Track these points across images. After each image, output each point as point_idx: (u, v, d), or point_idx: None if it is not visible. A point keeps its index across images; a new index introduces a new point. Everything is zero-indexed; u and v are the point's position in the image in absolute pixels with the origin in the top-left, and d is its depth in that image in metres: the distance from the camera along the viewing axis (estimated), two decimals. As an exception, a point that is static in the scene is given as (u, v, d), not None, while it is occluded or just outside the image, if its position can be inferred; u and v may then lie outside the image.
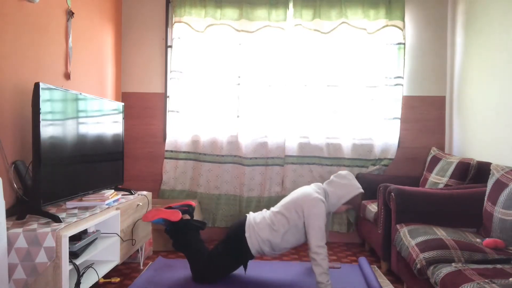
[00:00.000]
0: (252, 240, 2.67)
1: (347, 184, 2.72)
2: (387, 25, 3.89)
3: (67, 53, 2.92)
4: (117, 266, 2.71)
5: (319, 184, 2.80)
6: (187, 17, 3.95)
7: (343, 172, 2.81)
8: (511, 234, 2.24)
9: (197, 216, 3.70)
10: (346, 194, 2.71)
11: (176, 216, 2.82)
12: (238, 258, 2.74)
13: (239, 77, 3.94)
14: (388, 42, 3.91)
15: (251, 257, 2.73)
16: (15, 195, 2.33)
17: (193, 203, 3.07)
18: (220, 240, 2.82)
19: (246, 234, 2.68)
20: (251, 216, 2.78)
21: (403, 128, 4.01)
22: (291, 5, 3.95)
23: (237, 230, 2.72)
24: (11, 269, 1.92)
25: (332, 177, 2.82)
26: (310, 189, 2.71)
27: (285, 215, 2.66)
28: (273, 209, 2.78)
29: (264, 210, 2.85)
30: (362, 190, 2.72)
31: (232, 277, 2.84)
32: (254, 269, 3.03)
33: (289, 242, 2.68)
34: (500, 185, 2.43)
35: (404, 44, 3.91)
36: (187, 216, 2.96)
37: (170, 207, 2.95)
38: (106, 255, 2.62)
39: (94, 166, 2.72)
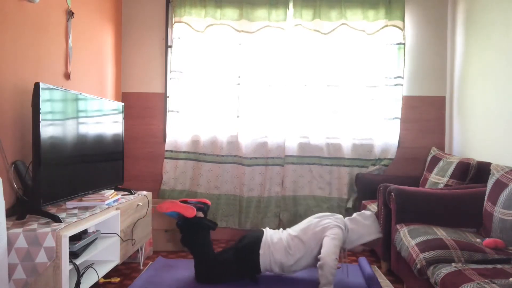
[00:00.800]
0: (265, 258, 2.66)
1: (370, 226, 2.74)
2: (387, 25, 3.89)
3: (67, 53, 2.92)
4: (117, 266, 2.71)
5: (341, 216, 2.79)
6: (187, 17, 3.94)
7: (368, 212, 2.81)
8: (511, 234, 2.24)
9: (197, 216, 3.70)
10: (367, 235, 2.72)
11: (191, 212, 2.83)
12: (244, 270, 2.72)
13: (239, 77, 3.94)
14: (388, 42, 3.91)
15: (258, 272, 2.72)
16: (15, 195, 2.33)
17: (209, 202, 3.07)
18: (232, 246, 2.82)
19: (261, 251, 2.67)
20: (269, 234, 2.76)
21: (403, 128, 4.01)
22: (291, 5, 3.95)
23: (252, 244, 2.71)
24: (11, 269, 1.92)
25: (355, 215, 2.82)
26: (330, 219, 2.71)
27: (302, 240, 2.66)
28: (290, 231, 2.77)
29: (281, 229, 2.84)
30: (381, 235, 2.75)
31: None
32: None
33: (300, 266, 2.69)
34: (500, 185, 2.43)
35: (404, 44, 3.91)
36: (200, 214, 2.96)
37: (185, 202, 2.97)
38: (106, 255, 2.62)
39: (94, 166, 2.72)
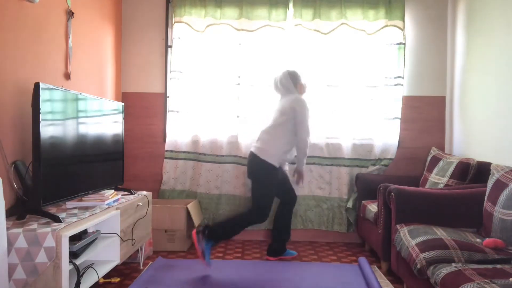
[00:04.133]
0: (271, 152, 3.15)
1: (288, 85, 3.28)
2: (387, 25, 3.89)
3: (67, 53, 2.92)
4: (117, 266, 2.71)
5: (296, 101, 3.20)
6: (187, 17, 3.95)
7: (281, 76, 3.32)
8: (511, 234, 2.24)
9: (197, 216, 3.70)
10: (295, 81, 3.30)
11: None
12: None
13: (239, 77, 3.94)
14: (388, 42, 3.91)
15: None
16: (15, 195, 2.33)
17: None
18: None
19: (262, 157, 3.14)
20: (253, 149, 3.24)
21: (403, 128, 4.01)
22: (291, 5, 3.95)
23: (253, 166, 3.19)
24: (11, 269, 1.92)
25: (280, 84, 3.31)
26: (292, 97, 3.23)
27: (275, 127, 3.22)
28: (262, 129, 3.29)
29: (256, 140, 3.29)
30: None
31: (225, 278, 2.84)
32: (252, 269, 3.02)
33: (283, 136, 3.18)
34: (500, 185, 2.44)
35: (404, 44, 3.91)
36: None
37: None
38: (106, 255, 2.62)
39: (94, 166, 2.72)
